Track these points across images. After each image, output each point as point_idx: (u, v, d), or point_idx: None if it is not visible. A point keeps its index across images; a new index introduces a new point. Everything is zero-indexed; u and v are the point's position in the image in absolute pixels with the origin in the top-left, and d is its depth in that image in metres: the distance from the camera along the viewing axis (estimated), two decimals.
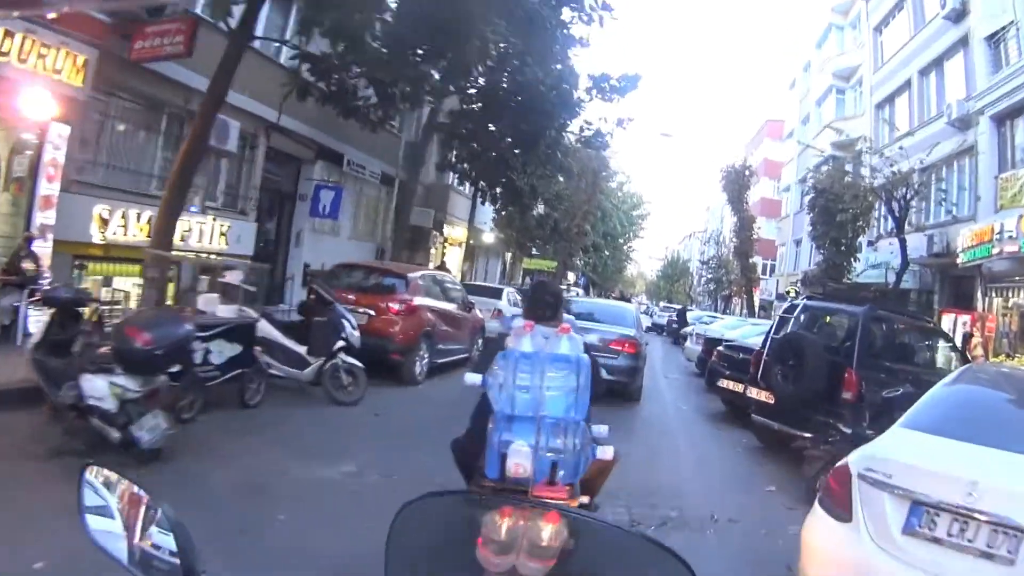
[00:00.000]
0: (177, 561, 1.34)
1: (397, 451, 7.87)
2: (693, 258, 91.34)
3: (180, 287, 13.65)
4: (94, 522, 1.49)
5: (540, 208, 34.68)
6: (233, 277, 10.49)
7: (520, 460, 3.63)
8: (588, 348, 4.18)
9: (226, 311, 9.17)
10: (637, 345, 13.54)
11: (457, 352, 14.22)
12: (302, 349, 10.00)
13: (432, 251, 28.77)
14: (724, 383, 13.47)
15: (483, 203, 28.41)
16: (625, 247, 69.79)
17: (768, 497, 8.24)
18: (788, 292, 36.68)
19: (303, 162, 19.43)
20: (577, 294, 39.97)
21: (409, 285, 12.68)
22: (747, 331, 18.39)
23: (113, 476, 1.50)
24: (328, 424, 9.04)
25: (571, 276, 60.68)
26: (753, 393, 10.85)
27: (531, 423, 3.69)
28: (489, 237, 35.80)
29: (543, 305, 4.40)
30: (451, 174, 26.97)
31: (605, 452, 4.10)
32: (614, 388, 12.10)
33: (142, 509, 1.44)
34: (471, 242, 33.99)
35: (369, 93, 16.19)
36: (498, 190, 25.62)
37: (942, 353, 11.34)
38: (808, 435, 9.04)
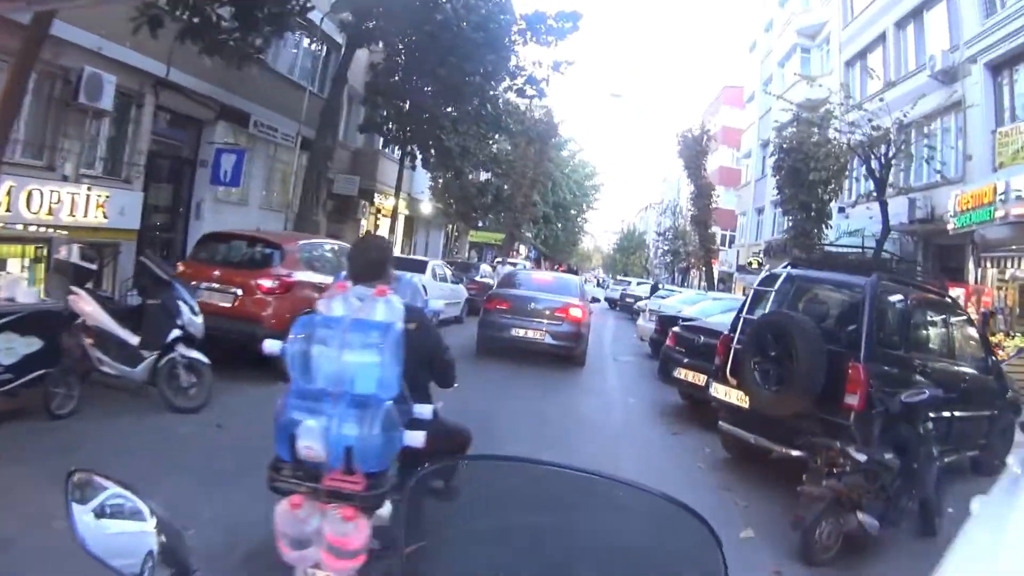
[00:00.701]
0: (171, 563, 1.32)
1: (212, 485, 5.60)
2: (650, 230, 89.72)
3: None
4: (82, 526, 1.46)
5: (482, 175, 32.17)
6: (67, 253, 8.04)
7: (310, 441, 3.02)
8: (419, 314, 4.13)
9: (27, 295, 7.05)
10: (580, 312, 13.82)
11: None
12: (136, 340, 7.80)
13: (363, 222, 25.96)
14: (681, 373, 10.80)
15: (412, 168, 25.60)
16: (578, 219, 67.14)
17: (744, 549, 5.60)
18: (751, 263, 34.63)
19: (204, 124, 16.85)
20: (525, 267, 37.30)
21: (286, 257, 10.22)
22: (708, 307, 16.04)
23: (99, 478, 1.48)
24: (150, 441, 6.76)
25: (523, 249, 58.30)
26: (720, 392, 8.08)
27: (328, 400, 3.08)
28: (427, 207, 33.22)
29: (364, 264, 3.70)
30: (378, 139, 24.21)
31: (414, 438, 3.26)
32: (559, 353, 13.58)
33: (130, 510, 1.42)
34: (407, 213, 31.31)
35: (236, 25, 13.61)
36: (431, 152, 23.01)
37: (961, 336, 8.84)
38: (796, 452, 6.71)
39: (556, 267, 59.76)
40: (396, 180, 24.92)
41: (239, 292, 9.66)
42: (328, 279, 10.83)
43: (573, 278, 18.59)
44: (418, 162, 24.56)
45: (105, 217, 13.03)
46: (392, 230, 28.26)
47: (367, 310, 3.25)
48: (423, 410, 3.59)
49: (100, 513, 1.46)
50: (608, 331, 24.11)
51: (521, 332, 13.55)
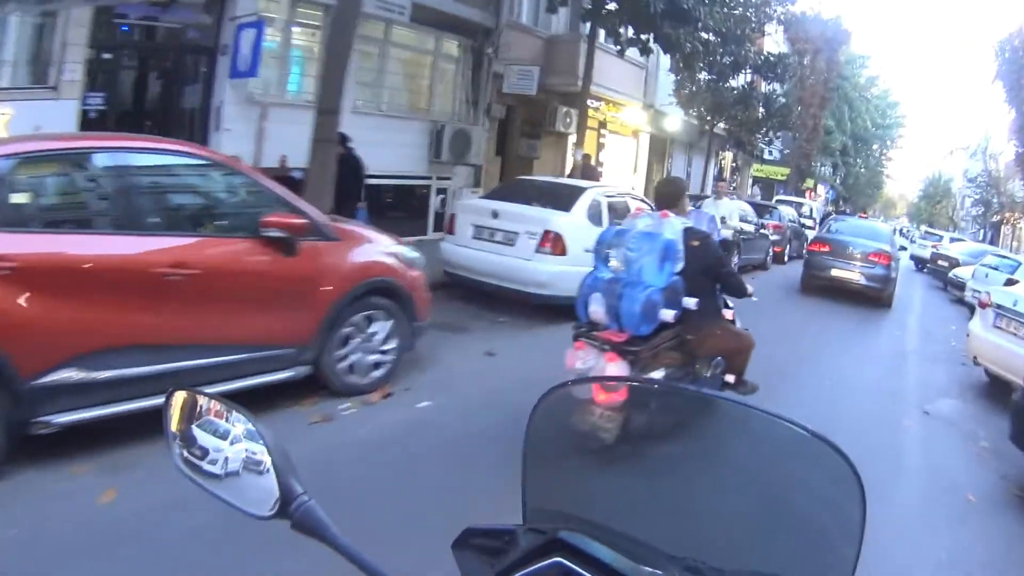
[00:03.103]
0: (275, 482, 1.20)
1: None
2: (956, 177, 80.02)
3: None
4: (183, 447, 1.35)
5: (743, 77, 24.21)
6: None
7: (596, 307, 4.99)
8: (703, 235, 5.37)
9: None
10: (890, 258, 15.33)
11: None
12: None
13: (572, 140, 18.89)
14: None
15: (645, 57, 18.18)
16: (881, 157, 56.27)
17: None
18: None
19: None
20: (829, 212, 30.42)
21: None
22: None
23: (202, 398, 1.36)
24: None
25: (820, 190, 48.67)
26: None
27: (612, 282, 4.98)
28: (675, 122, 25.27)
29: (661, 195, 5.70)
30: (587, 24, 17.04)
31: (665, 315, 4.89)
32: (870, 294, 15.19)
33: (234, 428, 1.30)
34: (651, 131, 24.42)
35: None
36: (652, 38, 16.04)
37: None
38: None
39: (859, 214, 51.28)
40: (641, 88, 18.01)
41: None
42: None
43: (885, 226, 20.98)
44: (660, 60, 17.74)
45: None
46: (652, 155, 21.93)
47: (653, 227, 5.11)
48: (689, 302, 5.00)
49: (204, 432, 1.33)
50: (913, 319, 15.89)
51: (839, 272, 15.21)
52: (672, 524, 1.27)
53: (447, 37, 15.23)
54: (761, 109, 25.99)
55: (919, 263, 31.46)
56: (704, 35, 17.52)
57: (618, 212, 9.80)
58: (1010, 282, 13.24)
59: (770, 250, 19.36)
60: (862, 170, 52.54)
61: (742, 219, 16.54)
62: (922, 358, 11.25)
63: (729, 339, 5.50)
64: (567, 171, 16.95)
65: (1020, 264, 16.94)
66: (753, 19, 19.94)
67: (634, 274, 4.87)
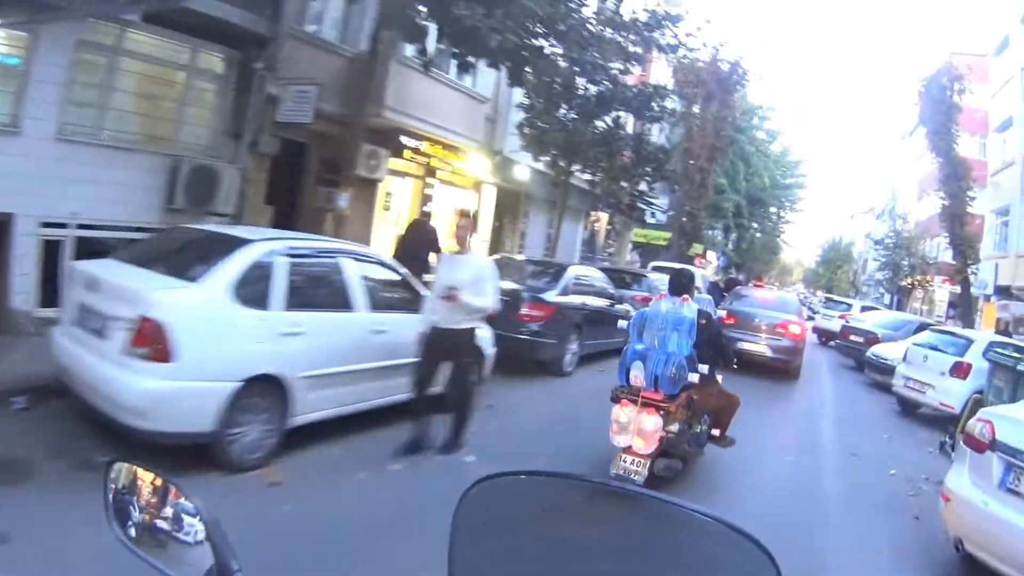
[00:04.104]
0: (212, 559, 1.29)
1: None
2: (858, 241, 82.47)
3: None
4: (122, 520, 1.44)
5: (612, 114, 19.39)
6: None
7: (636, 372, 6.31)
8: (707, 315, 7.00)
9: None
10: (798, 329, 15.34)
11: None
12: None
13: (378, 191, 14.91)
14: None
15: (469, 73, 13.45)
16: (779, 219, 53.45)
17: None
18: None
19: None
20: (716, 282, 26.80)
21: None
22: None
23: (140, 470, 1.46)
24: None
25: (711, 256, 45.29)
26: None
27: (648, 352, 6.36)
28: (524, 171, 20.86)
29: (677, 284, 6.97)
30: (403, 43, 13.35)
31: (693, 377, 6.29)
32: (777, 366, 14.84)
33: (172, 505, 1.39)
34: (500, 182, 20.45)
35: None
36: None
37: None
38: None
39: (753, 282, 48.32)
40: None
41: None
42: None
43: (793, 296, 21.29)
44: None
45: None
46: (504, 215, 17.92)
47: (676, 309, 6.56)
48: (702, 368, 6.39)
49: (139, 506, 1.42)
50: (828, 424, 12.01)
51: (746, 345, 14.37)
52: None
53: (206, 48, 11.19)
54: (629, 153, 21.05)
55: (822, 337, 28.04)
56: (557, 59, 13.65)
57: (324, 282, 6.86)
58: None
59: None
60: (758, 234, 49.47)
61: (588, 287, 13.27)
62: (849, 506, 7.34)
63: (723, 398, 7.28)
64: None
65: (971, 342, 13.23)
66: (620, 36, 15.76)
67: (661, 344, 6.41)
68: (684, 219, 29.62)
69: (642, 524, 1.32)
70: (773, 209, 48.65)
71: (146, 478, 1.42)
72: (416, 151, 16.05)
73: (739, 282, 28.00)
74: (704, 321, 6.55)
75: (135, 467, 1.44)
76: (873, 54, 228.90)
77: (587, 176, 21.11)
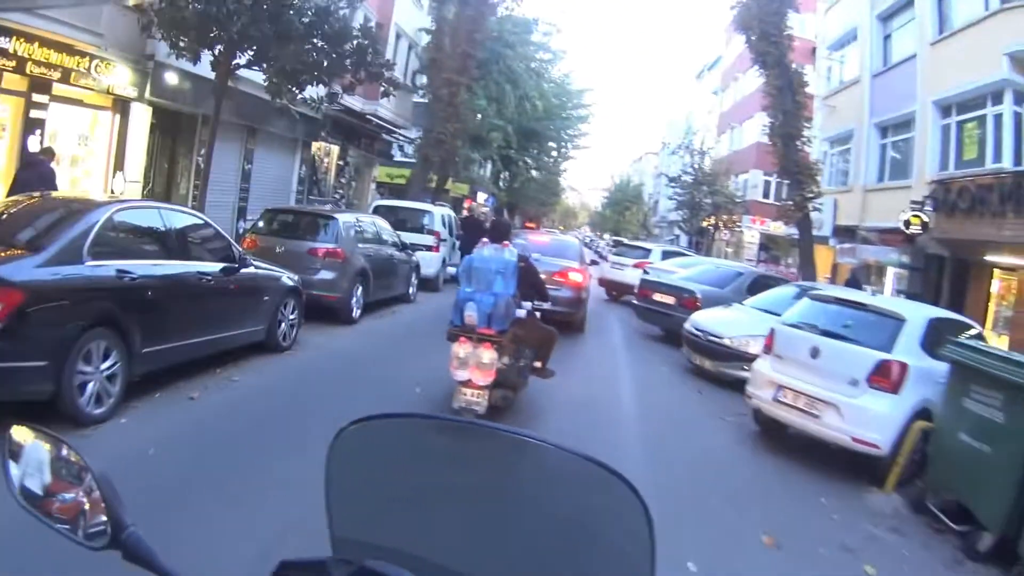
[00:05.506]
0: (104, 517, 1.27)
1: None
2: (648, 181, 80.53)
3: None
4: (20, 481, 1.39)
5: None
6: None
7: (471, 312, 6.78)
8: (526, 258, 7.64)
9: None
10: (580, 277, 14.19)
11: None
12: None
13: None
14: None
15: None
16: (559, 157, 47.56)
17: None
18: (912, 220, 17.04)
19: None
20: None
21: None
22: None
23: (40, 434, 1.41)
24: None
25: (481, 197, 39.31)
26: None
27: (479, 294, 6.87)
28: (177, 80, 14.43)
29: (497, 232, 7.46)
30: None
31: (520, 313, 7.21)
32: (555, 319, 11.21)
33: (68, 466, 1.36)
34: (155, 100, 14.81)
35: None
36: None
37: None
38: None
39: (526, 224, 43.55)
40: None
41: None
42: None
43: (573, 240, 18.56)
44: None
45: None
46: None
47: (499, 254, 7.03)
48: (526, 305, 7.39)
49: (39, 469, 1.38)
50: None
51: None
52: (472, 551, 1.32)
53: None
54: (317, 40, 13.41)
55: (611, 290, 22.29)
56: None
57: None
58: None
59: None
60: (533, 172, 42.99)
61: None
62: None
63: (543, 332, 7.89)
64: None
65: (901, 323, 7.67)
66: None
67: (492, 287, 6.90)
68: (431, 148, 22.74)
69: (517, 462, 1.35)
70: (552, 144, 42.33)
71: (40, 439, 1.39)
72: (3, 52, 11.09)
73: (508, 225, 21.80)
74: (523, 264, 7.32)
75: (33, 430, 1.40)
76: None
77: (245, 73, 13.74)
